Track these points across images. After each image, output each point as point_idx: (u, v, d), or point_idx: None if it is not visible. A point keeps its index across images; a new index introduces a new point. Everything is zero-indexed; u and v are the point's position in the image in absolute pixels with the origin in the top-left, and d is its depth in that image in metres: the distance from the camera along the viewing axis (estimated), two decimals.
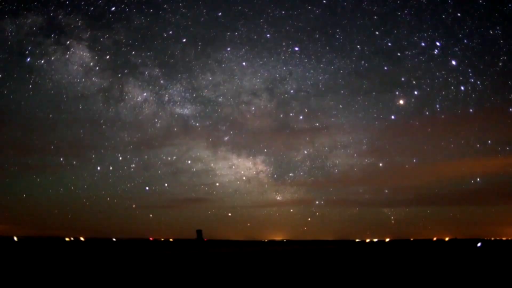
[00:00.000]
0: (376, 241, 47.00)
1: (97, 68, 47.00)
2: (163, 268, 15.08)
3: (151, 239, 55.66)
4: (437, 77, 42.45)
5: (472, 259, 20.70)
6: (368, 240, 48.38)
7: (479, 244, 33.03)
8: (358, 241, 49.82)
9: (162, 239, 56.80)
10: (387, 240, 46.85)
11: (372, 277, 12.52)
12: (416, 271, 14.18)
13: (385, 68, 45.34)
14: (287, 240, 54.37)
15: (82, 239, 49.73)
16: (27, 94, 47.20)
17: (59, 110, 49.35)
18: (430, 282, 11.58)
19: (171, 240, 56.53)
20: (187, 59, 48.16)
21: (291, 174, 49.73)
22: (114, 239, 53.52)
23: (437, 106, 42.81)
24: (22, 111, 47.02)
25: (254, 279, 11.97)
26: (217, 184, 50.53)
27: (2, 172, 49.50)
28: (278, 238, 55.29)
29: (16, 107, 47.53)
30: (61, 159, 49.20)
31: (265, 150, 54.05)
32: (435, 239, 43.92)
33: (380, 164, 45.68)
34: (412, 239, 46.94)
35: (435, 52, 41.68)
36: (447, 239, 41.49)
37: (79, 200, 47.79)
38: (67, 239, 49.45)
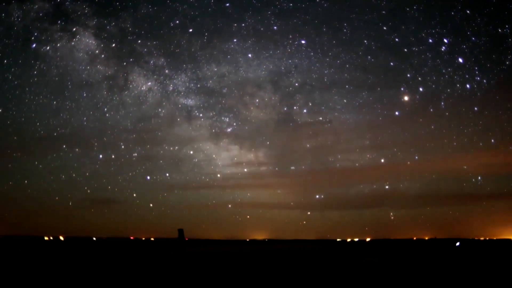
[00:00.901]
0: (357, 241, 47.30)
1: (102, 56, 46.62)
2: (138, 268, 14.77)
3: (131, 238, 54.93)
4: (443, 74, 42.16)
5: (450, 258, 20.94)
6: (349, 240, 48.65)
7: (457, 244, 33.50)
8: (339, 241, 50.05)
9: (143, 238, 56.09)
10: (368, 239, 47.17)
11: (350, 278, 12.47)
12: (396, 270, 14.21)
13: (391, 63, 44.90)
14: (268, 240, 54.23)
15: (61, 238, 48.79)
16: (31, 80, 46.46)
17: (63, 97, 49.17)
18: (410, 281, 11.59)
19: (152, 239, 55.86)
20: (192, 49, 47.67)
21: (292, 168, 49.76)
22: (94, 238, 52.72)
23: (442, 103, 42.58)
24: (26, 97, 46.47)
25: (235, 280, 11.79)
26: (218, 175, 50.21)
27: (5, 157, 48.72)
28: (260, 237, 55.03)
29: (20, 92, 47.03)
30: (64, 146, 48.63)
31: (268, 142, 53.62)
32: (415, 238, 44.44)
33: (382, 160, 45.64)
34: (392, 238, 47.28)
35: (443, 49, 41.35)
36: (426, 238, 41.92)
37: (80, 188, 47.90)
38: (46, 238, 48.45)
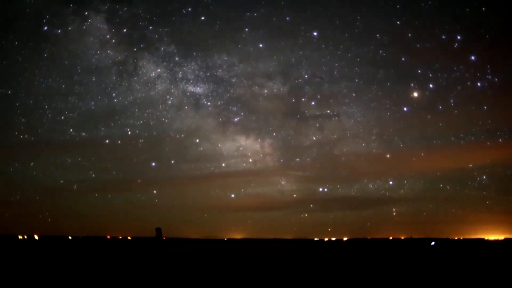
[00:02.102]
0: (334, 240, 47.60)
1: (113, 41, 45.64)
2: (114, 268, 14.37)
3: (108, 237, 53.83)
4: (454, 71, 41.60)
5: (425, 256, 21.28)
6: (326, 239, 48.85)
7: (433, 243, 34.11)
8: (316, 240, 50.24)
9: (120, 237, 55.05)
10: (345, 239, 47.53)
11: (327, 277, 12.43)
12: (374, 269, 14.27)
13: (403, 59, 44.15)
14: (246, 239, 53.92)
15: (36, 237, 47.37)
16: (41, 63, 44.91)
17: (72, 81, 47.95)
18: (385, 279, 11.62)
19: (129, 238, 54.85)
20: (203, 37, 46.79)
21: (297, 159, 49.02)
22: (70, 237, 51.45)
23: (451, 100, 42.26)
24: (35, 80, 45.42)
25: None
26: (223, 164, 49.62)
27: (12, 139, 47.61)
28: (238, 236, 54.62)
29: (29, 75, 45.26)
30: (71, 129, 47.54)
31: (274, 133, 52.65)
32: (391, 238, 45.00)
33: (388, 155, 45.44)
34: (369, 238, 47.70)
35: (455, 46, 40.91)
36: (403, 237, 42.53)
37: (85, 172, 47.06)
38: (20, 237, 46.95)
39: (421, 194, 45.76)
